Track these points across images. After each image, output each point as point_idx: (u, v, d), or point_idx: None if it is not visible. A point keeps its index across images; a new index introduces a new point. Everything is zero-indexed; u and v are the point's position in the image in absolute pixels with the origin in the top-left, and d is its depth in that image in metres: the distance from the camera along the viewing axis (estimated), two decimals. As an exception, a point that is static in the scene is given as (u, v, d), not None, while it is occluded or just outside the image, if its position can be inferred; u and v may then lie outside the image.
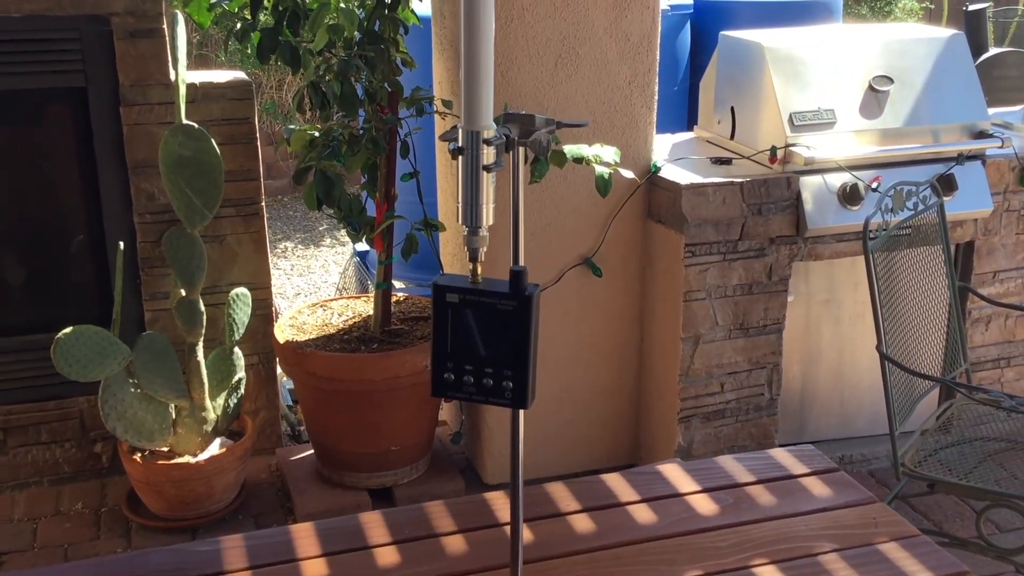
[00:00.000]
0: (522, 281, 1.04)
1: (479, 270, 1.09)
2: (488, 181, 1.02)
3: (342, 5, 2.82)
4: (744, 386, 3.22)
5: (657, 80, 3.10)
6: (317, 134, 2.95)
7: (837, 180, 3.07)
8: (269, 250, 3.36)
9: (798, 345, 3.36)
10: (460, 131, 1.01)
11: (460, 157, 1.01)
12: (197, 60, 6.84)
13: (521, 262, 1.12)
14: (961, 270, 3.37)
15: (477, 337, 1.06)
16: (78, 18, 2.94)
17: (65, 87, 3.02)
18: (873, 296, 2.50)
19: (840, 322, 3.38)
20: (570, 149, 2.70)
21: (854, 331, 3.38)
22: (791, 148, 3.03)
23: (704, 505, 1.71)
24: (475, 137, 0.99)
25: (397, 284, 3.99)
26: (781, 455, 1.89)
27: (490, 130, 1.00)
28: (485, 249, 1.08)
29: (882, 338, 2.52)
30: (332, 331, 3.16)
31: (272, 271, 5.61)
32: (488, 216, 1.05)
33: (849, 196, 3.06)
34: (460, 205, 1.03)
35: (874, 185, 3.05)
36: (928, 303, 2.82)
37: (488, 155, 1.00)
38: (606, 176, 2.67)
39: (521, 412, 1.18)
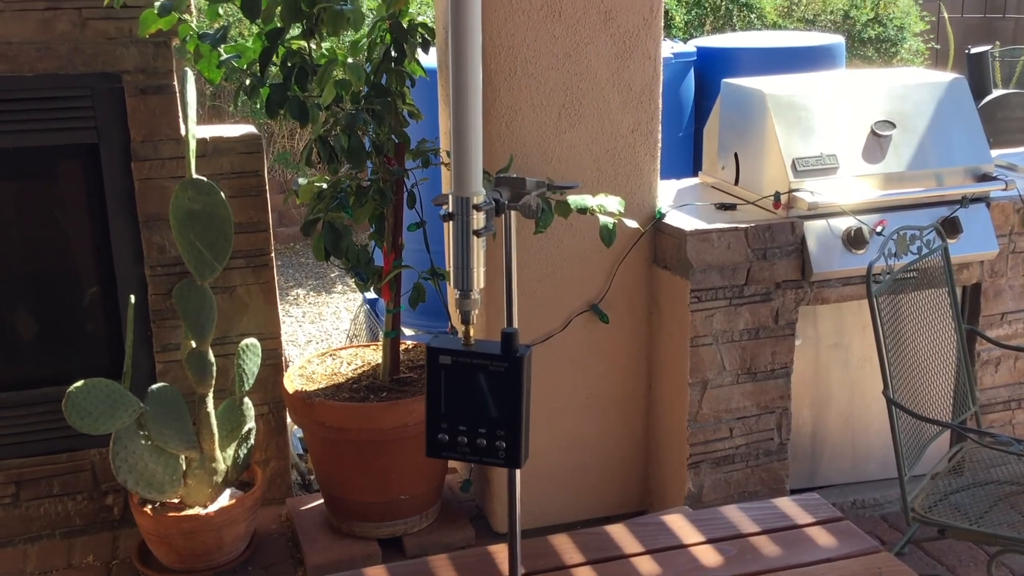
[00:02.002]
0: (513, 343, 1.06)
1: (471, 332, 1.11)
2: (479, 245, 1.04)
3: (349, 60, 2.87)
4: (753, 431, 3.22)
5: (660, 128, 3.14)
6: (325, 186, 3.00)
7: (842, 224, 3.08)
8: (281, 297, 3.39)
9: (807, 389, 3.36)
10: (450, 197, 1.04)
11: (451, 222, 1.03)
12: (210, 111, 6.94)
13: (515, 322, 1.14)
14: (969, 312, 3.37)
15: (470, 398, 1.08)
16: (90, 76, 3.00)
17: (78, 143, 3.07)
18: (878, 340, 2.51)
19: (849, 365, 3.38)
20: (574, 200, 2.72)
21: (863, 374, 3.38)
22: (795, 193, 3.05)
23: (708, 556, 1.71)
24: (465, 203, 1.02)
25: (407, 331, 4.01)
26: (786, 504, 1.89)
27: (479, 196, 1.02)
28: (476, 311, 1.10)
29: (888, 383, 2.52)
30: (341, 380, 3.17)
31: (284, 318, 5.66)
32: (479, 279, 1.07)
33: (854, 240, 3.07)
34: (452, 269, 1.05)
35: (879, 229, 3.06)
36: (936, 346, 2.82)
37: (478, 220, 1.03)
38: (610, 226, 2.70)
39: (517, 471, 1.19)
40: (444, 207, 1.05)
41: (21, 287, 3.17)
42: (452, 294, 3.37)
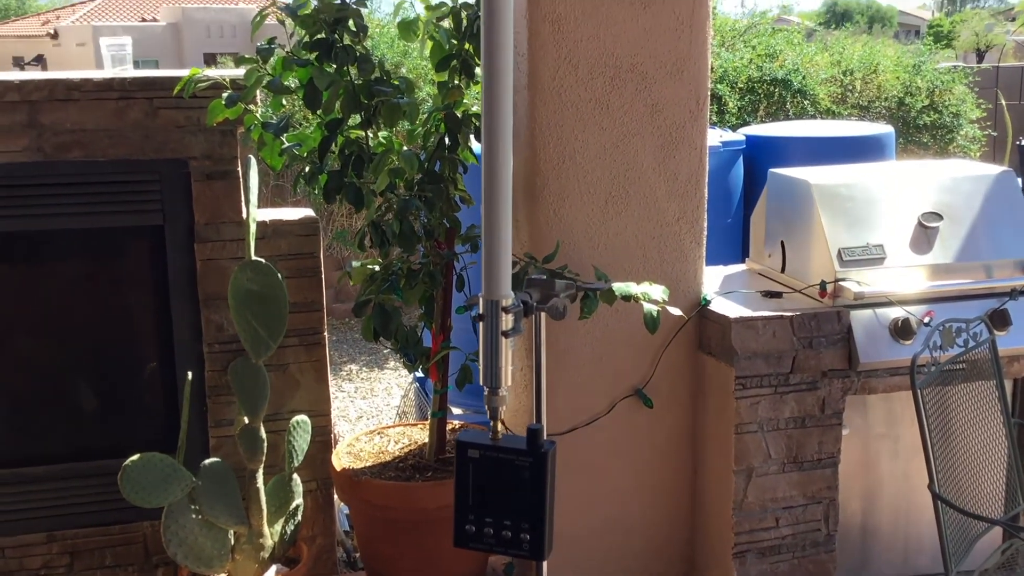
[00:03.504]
0: (538, 439, 1.10)
1: (499, 427, 1.16)
2: (507, 345, 1.09)
3: (405, 149, 2.98)
4: (800, 521, 3.19)
5: (706, 216, 3.19)
6: (378, 268, 3.09)
7: (889, 314, 3.08)
8: (334, 372, 3.48)
9: (856, 479, 3.32)
10: (480, 299, 1.10)
11: (481, 323, 1.09)
12: (273, 190, 7.18)
13: (544, 416, 1.18)
14: (1019, 406, 3.32)
15: (496, 491, 1.12)
16: (159, 162, 3.15)
17: (144, 225, 3.21)
18: (923, 433, 2.50)
19: (898, 456, 3.34)
20: (619, 287, 2.77)
21: (913, 466, 3.33)
22: (840, 283, 3.07)
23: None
24: (494, 306, 1.07)
25: (455, 411, 4.06)
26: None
27: (508, 299, 1.08)
28: (504, 408, 1.15)
29: (934, 477, 2.50)
30: (388, 459, 3.22)
31: (336, 393, 5.75)
32: (507, 377, 1.12)
33: (901, 331, 3.07)
34: (481, 367, 1.11)
35: (926, 320, 3.06)
36: (985, 440, 2.79)
37: (507, 322, 1.08)
38: (654, 314, 2.73)
39: (544, 563, 1.22)
40: (475, 308, 1.11)
41: (85, 360, 3.30)
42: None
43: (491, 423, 1.14)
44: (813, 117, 7.90)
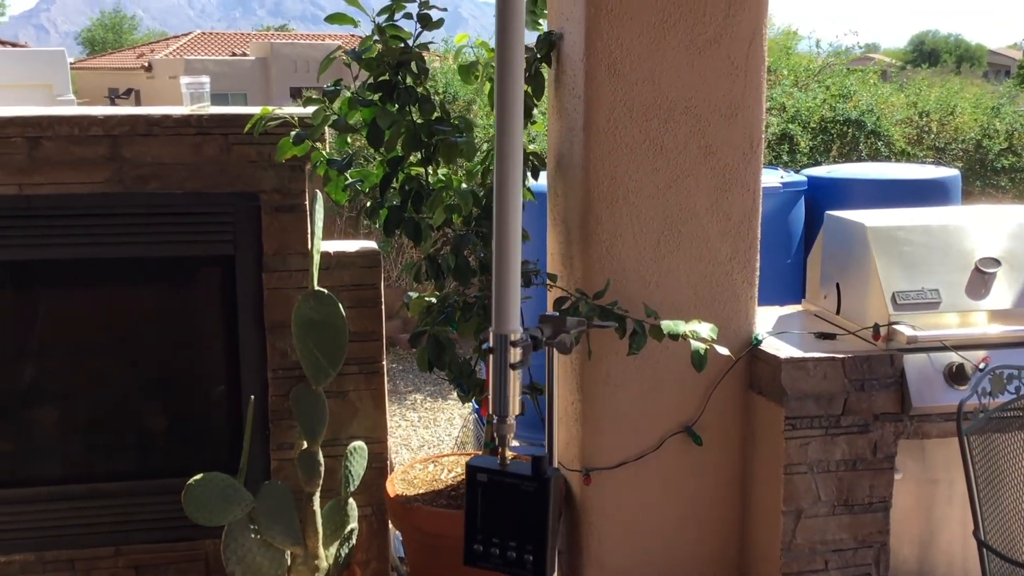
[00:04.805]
0: (543, 466, 1.17)
1: (507, 454, 1.23)
2: (515, 377, 1.17)
3: (463, 186, 3.08)
4: (850, 564, 3.16)
5: (758, 256, 3.22)
6: (434, 300, 3.19)
7: (943, 359, 3.07)
8: (399, 401, 3.57)
9: (910, 524, 3.29)
10: (490, 333, 1.17)
11: (491, 356, 1.17)
12: (348, 222, 7.37)
13: (555, 446, 1.25)
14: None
15: (503, 513, 1.18)
16: (232, 195, 3.31)
17: (216, 254, 3.37)
18: (968, 479, 2.48)
19: (953, 502, 3.30)
20: (667, 325, 2.82)
21: (970, 513, 3.28)
22: (894, 326, 3.06)
23: None
24: (503, 340, 1.15)
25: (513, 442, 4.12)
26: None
27: (516, 333, 1.15)
28: (512, 435, 1.22)
29: (979, 523, 2.48)
30: (440, 486, 3.30)
31: (400, 422, 5.86)
32: (515, 407, 1.19)
33: (956, 376, 3.05)
34: (491, 397, 1.18)
35: (981, 365, 3.03)
36: (1037, 488, 2.75)
37: (515, 355, 1.15)
38: (702, 352, 2.78)
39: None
40: (485, 343, 1.18)
41: (155, 383, 3.46)
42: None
43: (499, 449, 1.21)
44: (887, 158, 7.82)
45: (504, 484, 1.16)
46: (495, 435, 1.21)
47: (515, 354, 1.16)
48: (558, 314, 1.20)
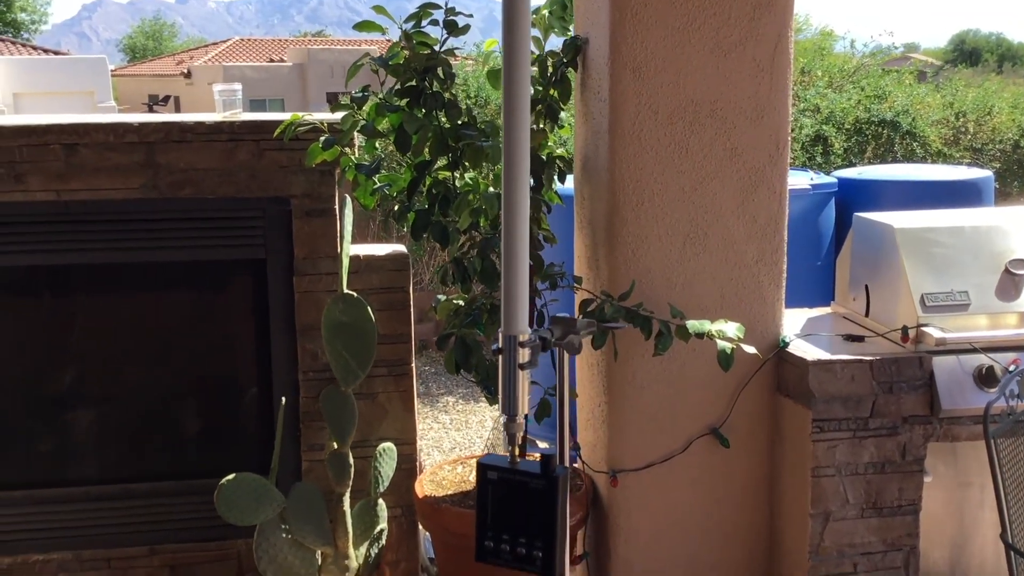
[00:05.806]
0: (552, 464, 1.19)
1: (517, 452, 1.25)
2: (524, 377, 1.19)
3: (490, 190, 3.11)
4: (879, 568, 3.15)
5: (785, 258, 3.21)
6: (462, 303, 3.21)
7: (973, 361, 3.04)
8: (431, 404, 3.60)
9: (942, 528, 3.27)
10: (499, 334, 1.19)
11: (500, 356, 1.19)
12: (380, 226, 7.43)
13: (566, 445, 1.27)
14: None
15: (513, 511, 1.21)
16: (263, 200, 3.36)
17: (248, 258, 3.42)
18: (995, 481, 2.47)
19: (985, 506, 3.27)
20: (693, 324, 2.83)
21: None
22: (923, 328, 3.05)
23: None
24: (512, 341, 1.17)
25: (540, 443, 4.14)
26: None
27: (524, 334, 1.17)
28: (522, 434, 1.24)
29: (1007, 526, 2.46)
30: (468, 488, 3.33)
31: (432, 424, 5.90)
32: (524, 406, 1.22)
33: (986, 378, 3.03)
34: (500, 396, 1.20)
35: (1011, 367, 3.00)
36: (1069, 492, 2.72)
37: (523, 355, 1.18)
38: (728, 351, 2.78)
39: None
40: (495, 343, 1.21)
41: (188, 385, 3.52)
42: (580, 408, 3.50)
43: (510, 448, 1.23)
44: (923, 159, 7.74)
45: (514, 482, 1.19)
46: (504, 433, 1.23)
47: (524, 354, 1.19)
48: (568, 316, 1.23)
